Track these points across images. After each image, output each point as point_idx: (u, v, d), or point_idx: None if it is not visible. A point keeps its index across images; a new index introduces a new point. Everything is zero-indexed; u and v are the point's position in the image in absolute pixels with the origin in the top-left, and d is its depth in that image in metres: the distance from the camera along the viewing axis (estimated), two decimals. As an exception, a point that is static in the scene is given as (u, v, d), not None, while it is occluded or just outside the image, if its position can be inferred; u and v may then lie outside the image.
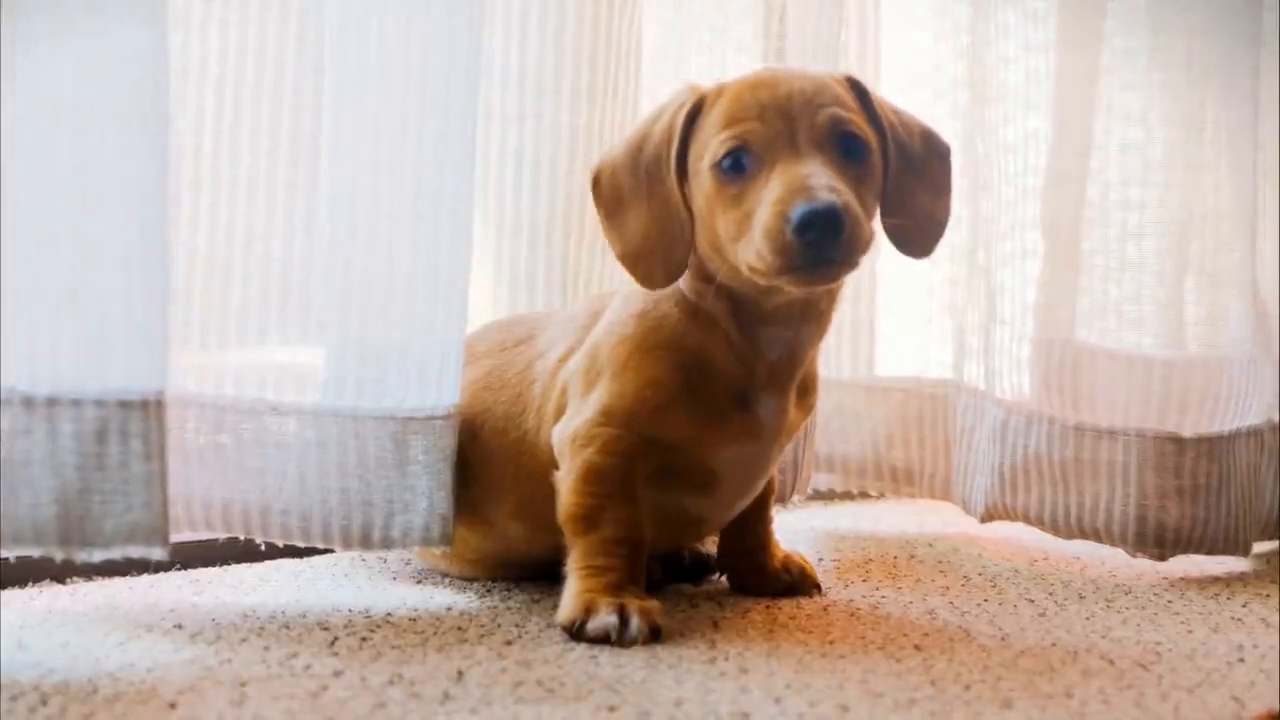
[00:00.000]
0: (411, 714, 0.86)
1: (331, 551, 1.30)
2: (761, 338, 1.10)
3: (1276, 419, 1.47)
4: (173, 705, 0.86)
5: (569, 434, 1.10)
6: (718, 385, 1.10)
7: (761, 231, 1.00)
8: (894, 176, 1.09)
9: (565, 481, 1.10)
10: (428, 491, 1.14)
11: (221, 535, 1.16)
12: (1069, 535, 1.42)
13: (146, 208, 0.99)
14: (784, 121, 1.03)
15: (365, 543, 1.14)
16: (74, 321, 0.98)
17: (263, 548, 1.21)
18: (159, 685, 0.90)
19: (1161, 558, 1.39)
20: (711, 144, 1.05)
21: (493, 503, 1.18)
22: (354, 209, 1.13)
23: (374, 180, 1.12)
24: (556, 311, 1.28)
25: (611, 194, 1.10)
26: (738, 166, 1.04)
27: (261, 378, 1.14)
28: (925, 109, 1.59)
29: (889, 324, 1.65)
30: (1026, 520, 1.44)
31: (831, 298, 1.12)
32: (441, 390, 1.15)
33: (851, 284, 1.58)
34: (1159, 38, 1.43)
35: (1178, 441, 1.38)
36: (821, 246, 0.98)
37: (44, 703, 0.86)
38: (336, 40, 1.12)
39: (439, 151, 1.13)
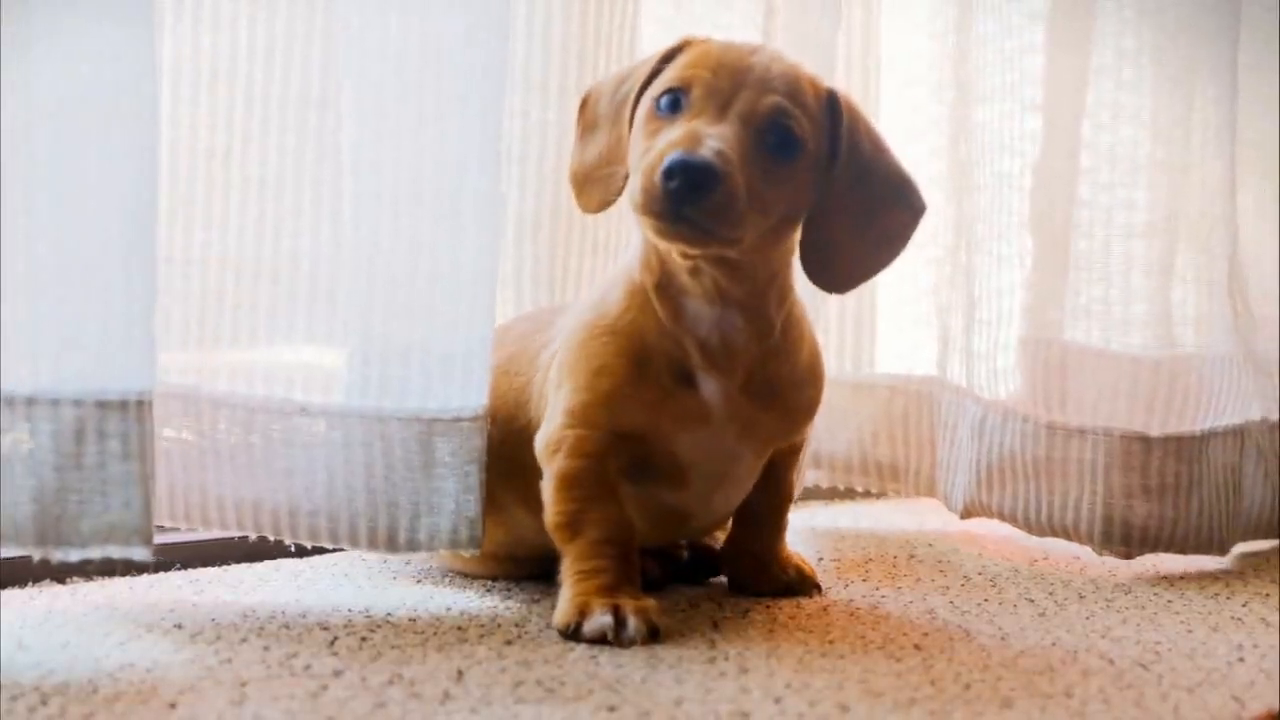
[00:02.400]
0: (411, 714, 0.86)
1: (336, 551, 1.30)
2: (687, 311, 1.10)
3: (1274, 419, 1.48)
4: (173, 705, 0.86)
5: (544, 441, 1.11)
6: (659, 364, 1.10)
7: (642, 168, 1.01)
8: (834, 200, 1.08)
9: (546, 490, 1.11)
10: (454, 494, 1.14)
11: (253, 535, 1.16)
12: (1041, 533, 1.43)
13: (131, 208, 0.99)
14: (730, 85, 1.04)
15: (392, 545, 1.14)
16: (53, 321, 0.97)
17: (292, 547, 1.20)
18: (159, 685, 0.90)
19: (1128, 556, 1.40)
20: (661, 79, 1.07)
21: (503, 488, 1.18)
22: (378, 207, 1.13)
23: (396, 178, 1.12)
24: (573, 303, 1.28)
25: (591, 116, 1.14)
26: (673, 106, 1.05)
27: (290, 378, 1.14)
28: (922, 109, 1.59)
29: (882, 323, 1.64)
30: (1001, 517, 1.45)
31: (752, 291, 1.09)
32: (468, 391, 1.14)
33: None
34: (1148, 38, 1.43)
35: (1145, 441, 1.38)
36: (681, 199, 0.98)
37: (44, 703, 0.86)
38: (359, 37, 1.12)
39: (462, 149, 1.13)
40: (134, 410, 0.99)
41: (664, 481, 1.13)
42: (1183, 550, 1.39)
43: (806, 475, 1.61)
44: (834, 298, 1.57)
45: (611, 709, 0.88)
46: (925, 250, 1.60)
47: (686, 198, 0.98)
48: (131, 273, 0.99)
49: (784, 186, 1.05)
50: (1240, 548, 1.47)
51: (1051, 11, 1.45)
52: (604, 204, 1.12)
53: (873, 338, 1.62)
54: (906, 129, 1.59)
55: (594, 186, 1.12)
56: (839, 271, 1.12)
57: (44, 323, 0.97)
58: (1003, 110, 1.45)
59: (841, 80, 1.52)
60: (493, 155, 1.14)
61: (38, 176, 0.97)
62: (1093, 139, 1.44)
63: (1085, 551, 1.46)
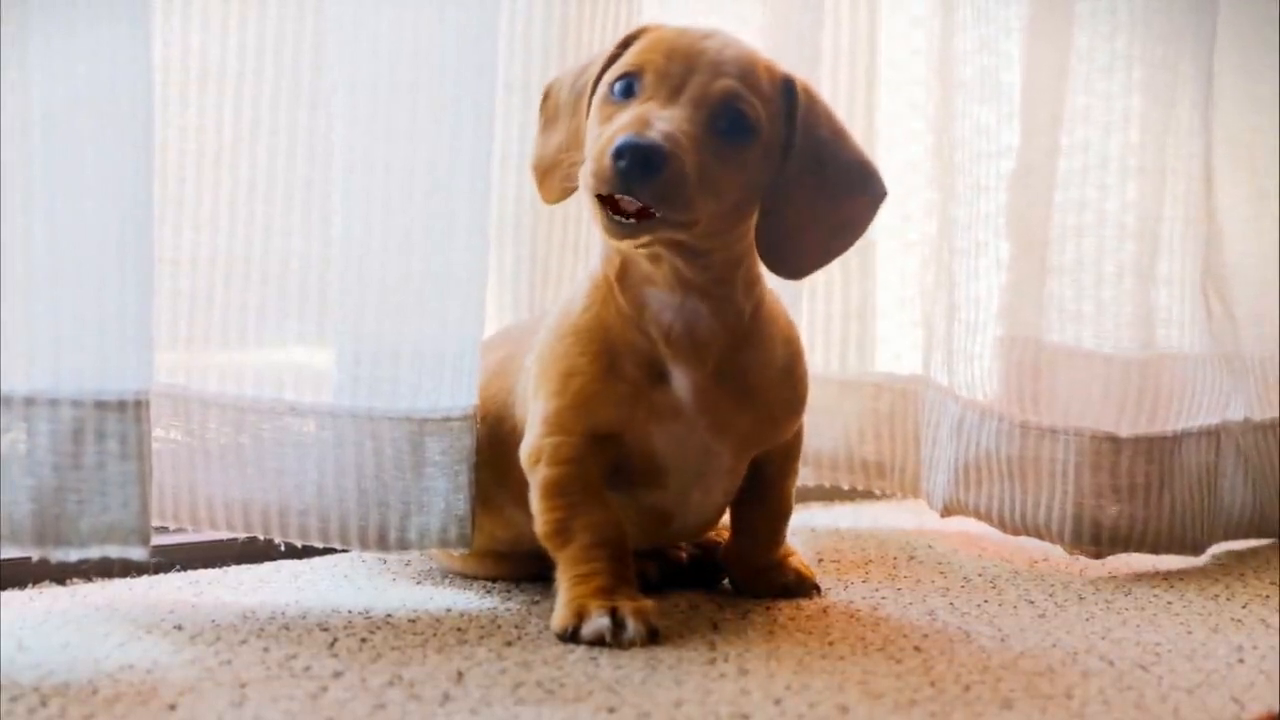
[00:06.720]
0: (411, 715, 0.86)
1: (334, 552, 1.30)
2: (650, 300, 1.09)
3: (1256, 418, 1.48)
4: (173, 706, 0.86)
5: (526, 451, 1.11)
6: (626, 358, 1.09)
7: (593, 152, 1.01)
8: (790, 185, 1.07)
9: (533, 500, 1.11)
10: (444, 493, 1.14)
11: (242, 535, 1.17)
12: (1015, 532, 1.43)
13: (128, 209, 0.99)
14: (683, 68, 1.04)
15: (382, 544, 1.15)
16: (51, 321, 0.97)
17: (282, 547, 1.20)
18: (159, 685, 0.90)
19: (1098, 555, 1.40)
20: (616, 66, 1.07)
21: (498, 486, 1.18)
22: (368, 207, 1.13)
23: (387, 178, 1.13)
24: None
25: (552, 108, 1.15)
26: (627, 91, 1.05)
27: (280, 378, 1.15)
28: (919, 108, 1.59)
29: (881, 322, 1.64)
30: (978, 516, 1.45)
31: (715, 278, 1.09)
32: (457, 391, 1.15)
33: (830, 280, 1.59)
34: (1129, 41, 1.43)
35: (1114, 441, 1.38)
36: (630, 179, 0.98)
37: (44, 704, 0.86)
38: (351, 37, 1.13)
39: (454, 150, 1.13)
40: (132, 410, 0.99)
41: (642, 482, 1.13)
42: (1155, 550, 1.40)
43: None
44: (823, 294, 1.57)
45: (611, 710, 0.88)
46: (919, 250, 1.60)
47: (634, 179, 0.98)
48: (128, 272, 0.99)
49: (737, 171, 1.05)
50: (1219, 547, 1.47)
51: (1031, 13, 1.45)
52: (564, 193, 1.12)
53: (864, 336, 1.62)
54: (906, 129, 1.59)
55: (554, 176, 1.12)
56: (791, 257, 1.11)
57: (42, 323, 0.97)
58: (998, 113, 1.45)
59: (831, 77, 1.52)
60: (484, 156, 1.15)
61: (35, 176, 0.97)
62: (1070, 141, 1.44)
63: (1082, 552, 1.46)
